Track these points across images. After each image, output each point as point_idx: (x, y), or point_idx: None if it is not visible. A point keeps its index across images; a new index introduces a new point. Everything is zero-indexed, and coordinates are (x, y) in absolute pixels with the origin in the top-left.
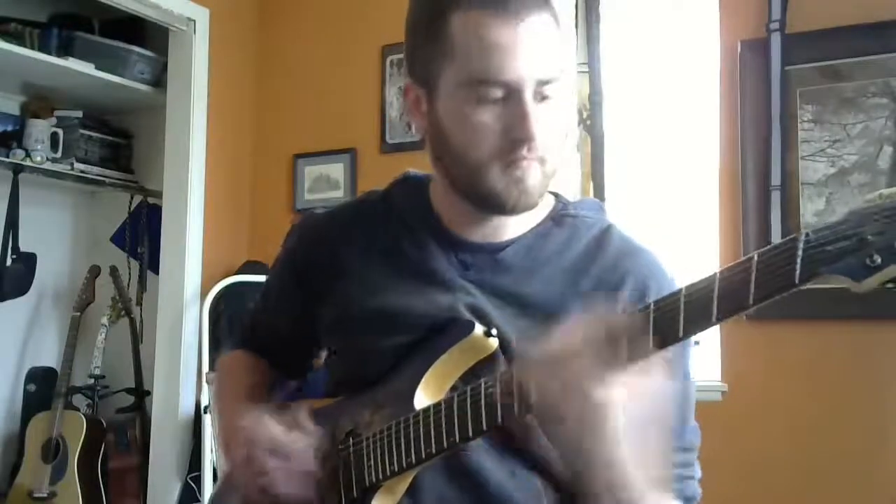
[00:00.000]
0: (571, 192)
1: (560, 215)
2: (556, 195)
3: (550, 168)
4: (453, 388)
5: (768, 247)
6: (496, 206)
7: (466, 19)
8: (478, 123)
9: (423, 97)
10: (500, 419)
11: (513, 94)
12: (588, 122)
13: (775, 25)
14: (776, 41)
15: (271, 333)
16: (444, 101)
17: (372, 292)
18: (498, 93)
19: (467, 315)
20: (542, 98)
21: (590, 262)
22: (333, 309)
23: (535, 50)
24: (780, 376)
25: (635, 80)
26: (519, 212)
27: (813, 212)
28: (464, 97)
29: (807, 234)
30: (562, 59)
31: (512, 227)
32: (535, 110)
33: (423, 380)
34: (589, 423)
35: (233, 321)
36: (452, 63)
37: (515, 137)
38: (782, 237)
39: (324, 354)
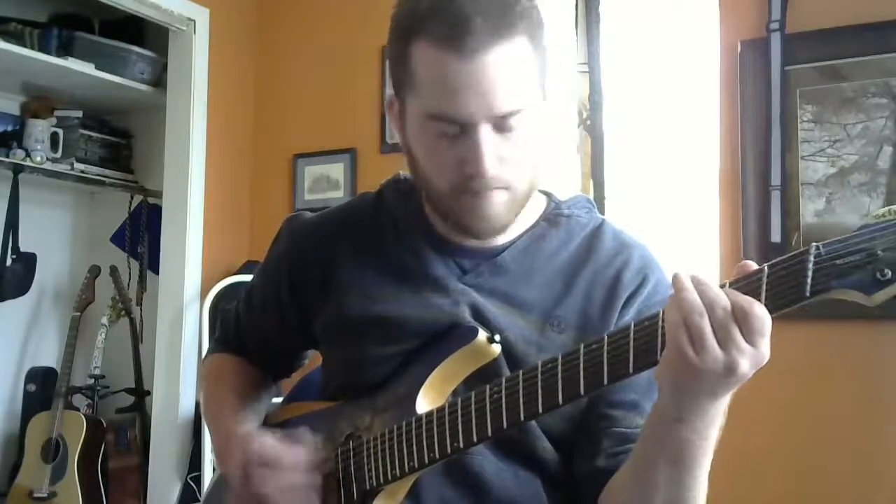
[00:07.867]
0: (571, 193)
1: (553, 215)
2: (547, 195)
3: (520, 193)
4: (454, 393)
5: (778, 259)
6: (466, 232)
7: (425, 51)
8: (437, 156)
9: (399, 115)
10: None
11: (468, 130)
12: (588, 122)
13: (775, 25)
14: (776, 41)
15: (258, 335)
16: (410, 127)
17: (370, 299)
18: (454, 128)
19: (470, 320)
20: (504, 129)
21: (584, 261)
22: (329, 315)
23: (491, 86)
24: (778, 376)
25: (635, 80)
26: (489, 237)
27: (813, 212)
28: (425, 128)
29: (817, 248)
30: (529, 87)
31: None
32: (491, 144)
33: (425, 384)
34: (734, 379)
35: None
36: (414, 93)
37: (469, 173)
38: (782, 237)
39: (315, 355)
